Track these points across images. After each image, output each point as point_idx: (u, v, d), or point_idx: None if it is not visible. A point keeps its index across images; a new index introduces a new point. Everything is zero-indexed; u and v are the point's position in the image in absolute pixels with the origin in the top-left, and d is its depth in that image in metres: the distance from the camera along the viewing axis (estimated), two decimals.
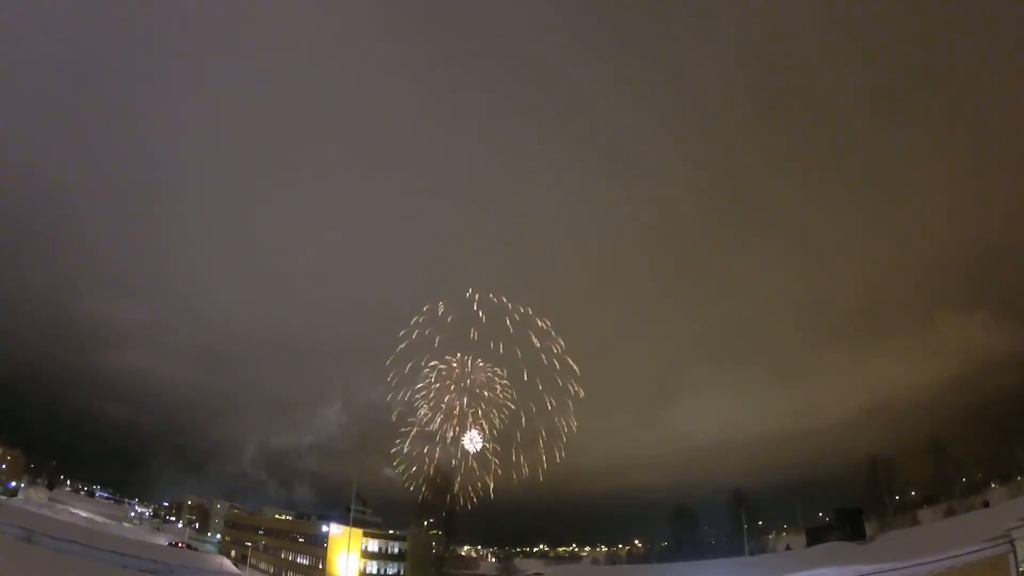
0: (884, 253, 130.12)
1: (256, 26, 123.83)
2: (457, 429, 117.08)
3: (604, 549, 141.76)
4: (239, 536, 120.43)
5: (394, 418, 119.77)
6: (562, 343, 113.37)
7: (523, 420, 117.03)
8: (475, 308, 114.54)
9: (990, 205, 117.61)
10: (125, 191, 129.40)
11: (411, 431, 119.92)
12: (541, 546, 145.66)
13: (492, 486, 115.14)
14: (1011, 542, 49.04)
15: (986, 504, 78.52)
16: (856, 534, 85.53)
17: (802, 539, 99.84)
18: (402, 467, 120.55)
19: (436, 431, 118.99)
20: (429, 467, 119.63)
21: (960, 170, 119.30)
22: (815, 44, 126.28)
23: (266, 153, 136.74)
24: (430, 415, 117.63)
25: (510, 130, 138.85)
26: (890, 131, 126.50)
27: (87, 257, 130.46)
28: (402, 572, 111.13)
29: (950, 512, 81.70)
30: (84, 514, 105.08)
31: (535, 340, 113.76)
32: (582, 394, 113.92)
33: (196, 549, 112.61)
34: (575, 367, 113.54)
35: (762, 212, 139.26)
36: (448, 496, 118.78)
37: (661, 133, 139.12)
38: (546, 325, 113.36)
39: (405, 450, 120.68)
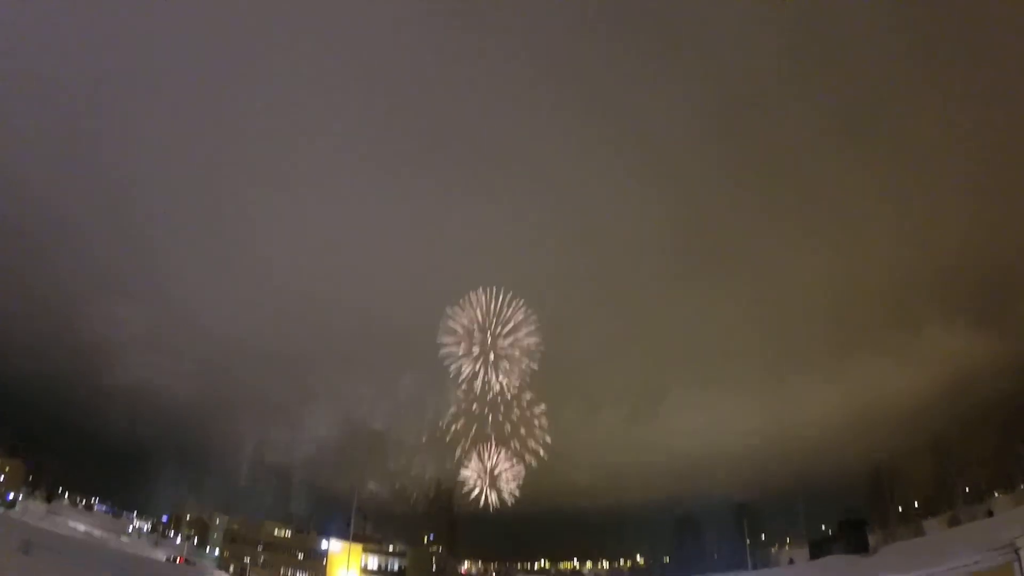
0: (879, 263, 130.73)
1: (254, 25, 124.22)
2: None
3: (606, 565, 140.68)
4: (238, 551, 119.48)
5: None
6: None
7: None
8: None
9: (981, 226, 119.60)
10: (122, 205, 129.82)
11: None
12: (542, 561, 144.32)
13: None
14: (1016, 551, 49.00)
15: (990, 513, 78.11)
16: (860, 546, 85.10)
17: (805, 551, 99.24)
18: (405, 482, 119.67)
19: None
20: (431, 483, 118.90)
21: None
22: (775, 81, 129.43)
23: (264, 164, 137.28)
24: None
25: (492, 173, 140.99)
26: (849, 158, 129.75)
27: (87, 271, 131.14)
28: None
29: (954, 521, 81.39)
30: (82, 527, 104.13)
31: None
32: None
33: (195, 564, 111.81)
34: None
35: (760, 224, 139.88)
36: (450, 511, 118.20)
37: (625, 173, 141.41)
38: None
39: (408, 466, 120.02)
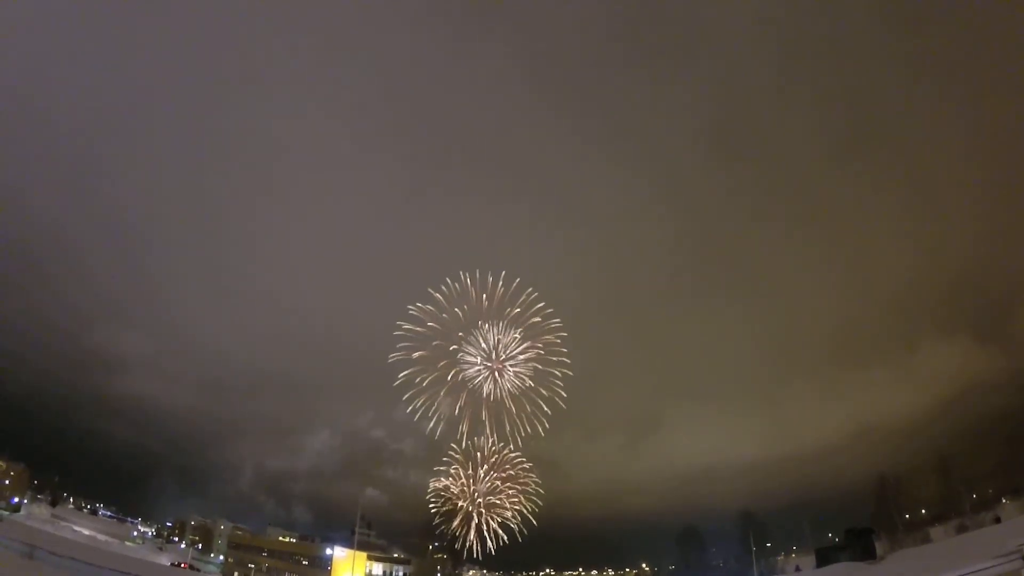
0: (883, 280, 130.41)
1: (257, 53, 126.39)
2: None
3: (611, 573, 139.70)
4: (242, 557, 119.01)
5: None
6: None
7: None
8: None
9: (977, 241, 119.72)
10: (125, 230, 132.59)
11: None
12: (547, 570, 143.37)
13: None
14: (1023, 557, 48.41)
15: (997, 520, 77.39)
16: (867, 554, 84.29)
17: (812, 560, 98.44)
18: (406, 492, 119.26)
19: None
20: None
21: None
22: (778, 98, 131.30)
23: (265, 189, 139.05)
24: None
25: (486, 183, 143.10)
26: (851, 175, 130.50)
27: (96, 291, 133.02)
28: None
29: (961, 529, 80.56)
30: (86, 532, 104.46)
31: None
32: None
33: (199, 570, 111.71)
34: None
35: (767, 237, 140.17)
36: (454, 521, 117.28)
37: (631, 191, 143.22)
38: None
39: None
